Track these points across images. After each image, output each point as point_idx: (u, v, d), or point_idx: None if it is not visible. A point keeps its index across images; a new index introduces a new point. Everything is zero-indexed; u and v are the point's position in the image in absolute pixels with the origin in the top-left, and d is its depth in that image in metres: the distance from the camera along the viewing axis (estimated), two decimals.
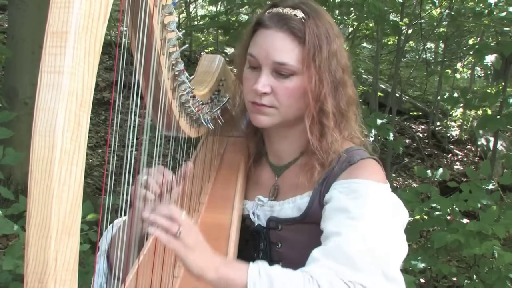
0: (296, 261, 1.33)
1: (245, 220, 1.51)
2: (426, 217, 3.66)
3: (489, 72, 10.31)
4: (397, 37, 5.85)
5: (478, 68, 10.37)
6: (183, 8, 7.83)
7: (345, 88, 1.44)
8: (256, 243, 1.49)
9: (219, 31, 7.11)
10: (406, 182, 7.09)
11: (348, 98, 1.45)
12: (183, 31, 5.95)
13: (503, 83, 5.70)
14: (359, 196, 1.30)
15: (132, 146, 1.11)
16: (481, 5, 4.73)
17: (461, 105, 5.18)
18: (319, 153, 1.41)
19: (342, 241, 1.21)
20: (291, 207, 1.45)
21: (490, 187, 3.86)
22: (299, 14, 1.39)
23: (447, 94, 5.61)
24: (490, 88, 6.83)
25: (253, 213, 1.51)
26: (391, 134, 4.31)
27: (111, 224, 1.42)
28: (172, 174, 1.34)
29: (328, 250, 1.21)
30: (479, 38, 7.44)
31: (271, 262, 1.45)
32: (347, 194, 1.31)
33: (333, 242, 1.22)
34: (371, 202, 1.29)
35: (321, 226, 1.31)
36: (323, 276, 1.15)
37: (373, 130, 4.10)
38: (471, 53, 5.98)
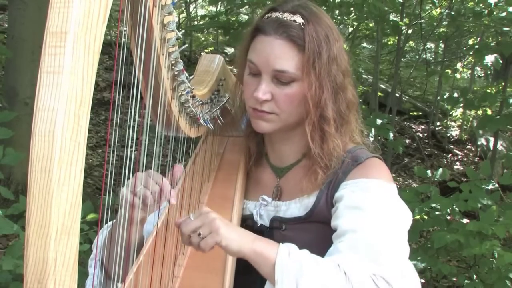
0: None
1: (246, 220, 1.51)
2: (426, 217, 3.65)
3: (489, 72, 10.32)
4: (397, 37, 5.85)
5: (478, 68, 10.37)
6: (183, 8, 7.83)
7: (345, 92, 1.44)
8: None
9: (219, 31, 7.11)
10: (406, 182, 7.09)
11: (348, 102, 1.45)
12: (183, 31, 5.95)
13: (503, 83, 5.70)
14: (371, 195, 1.33)
15: (132, 146, 1.11)
16: (481, 5, 4.73)
17: (461, 105, 5.18)
18: (321, 159, 1.42)
19: (360, 237, 1.24)
20: (298, 206, 1.45)
21: (490, 187, 3.85)
22: (298, 19, 1.37)
23: (447, 94, 5.62)
24: (490, 88, 6.82)
25: (257, 213, 1.51)
26: (391, 134, 4.31)
27: (104, 226, 1.42)
28: (162, 177, 1.31)
29: (349, 245, 1.23)
30: (479, 38, 7.44)
31: None
32: (359, 193, 1.33)
33: (351, 238, 1.24)
34: (383, 201, 1.32)
35: (333, 224, 1.32)
36: (349, 266, 1.17)
37: (373, 130, 4.10)
38: (471, 53, 5.98)
